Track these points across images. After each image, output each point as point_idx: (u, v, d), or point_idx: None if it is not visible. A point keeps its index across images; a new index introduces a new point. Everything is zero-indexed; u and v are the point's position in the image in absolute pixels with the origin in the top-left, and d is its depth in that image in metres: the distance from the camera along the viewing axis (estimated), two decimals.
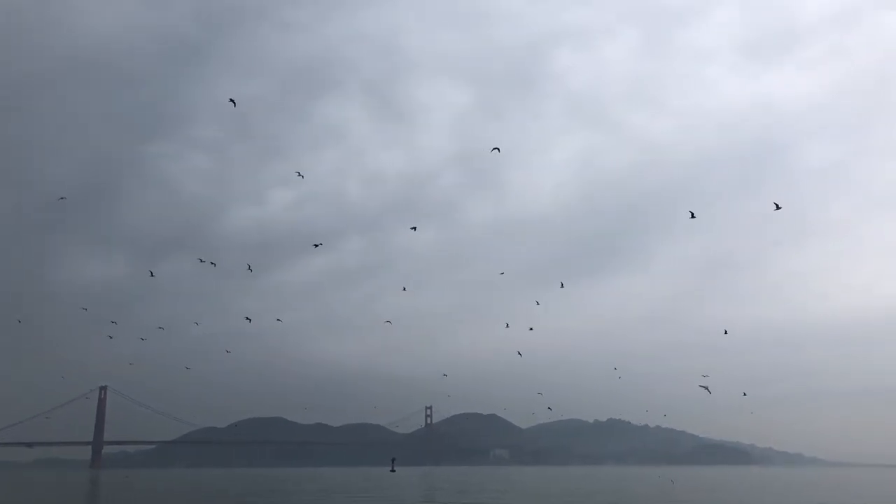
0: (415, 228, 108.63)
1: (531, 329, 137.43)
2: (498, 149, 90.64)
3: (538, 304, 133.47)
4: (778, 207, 74.26)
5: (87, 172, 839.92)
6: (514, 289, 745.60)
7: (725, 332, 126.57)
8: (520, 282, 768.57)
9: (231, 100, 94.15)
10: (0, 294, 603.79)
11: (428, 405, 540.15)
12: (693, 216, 79.54)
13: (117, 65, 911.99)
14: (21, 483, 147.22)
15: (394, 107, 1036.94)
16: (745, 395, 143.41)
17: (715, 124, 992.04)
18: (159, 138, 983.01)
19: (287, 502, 66.77)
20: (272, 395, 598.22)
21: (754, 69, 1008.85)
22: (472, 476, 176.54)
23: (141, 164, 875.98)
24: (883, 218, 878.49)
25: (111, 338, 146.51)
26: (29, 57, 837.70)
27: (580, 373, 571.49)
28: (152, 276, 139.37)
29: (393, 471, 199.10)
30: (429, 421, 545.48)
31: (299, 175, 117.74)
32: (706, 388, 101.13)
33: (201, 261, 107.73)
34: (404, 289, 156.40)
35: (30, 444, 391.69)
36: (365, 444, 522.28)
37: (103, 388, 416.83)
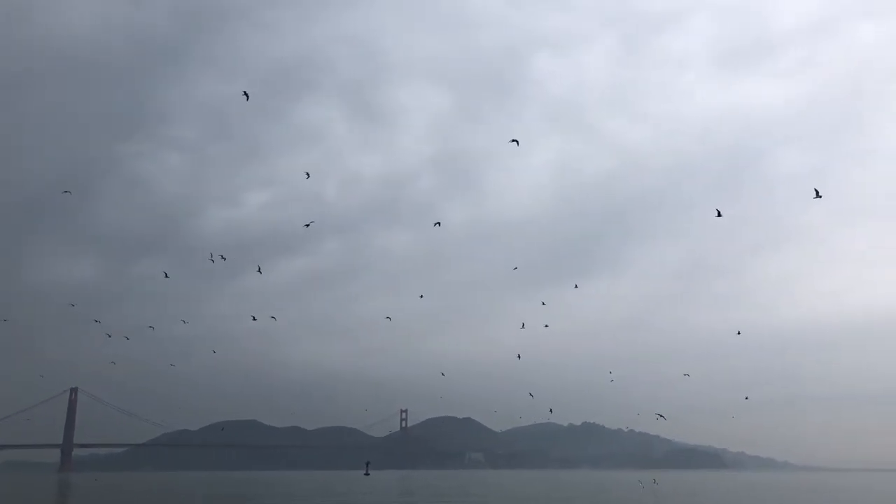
0: (438, 224, 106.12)
1: (546, 326, 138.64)
2: (517, 141, 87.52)
3: (544, 304, 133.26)
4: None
5: (63, 172, 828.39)
6: (491, 292, 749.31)
7: (738, 333, 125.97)
8: (497, 285, 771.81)
9: (244, 93, 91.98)
10: None
11: (403, 408, 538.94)
12: (720, 214, 78.61)
13: (93, 63, 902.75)
14: None
15: (373, 109, 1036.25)
16: (746, 398, 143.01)
17: (691, 131, 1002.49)
18: (136, 138, 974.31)
19: None
20: (247, 398, 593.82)
21: (730, 77, 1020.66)
22: (449, 480, 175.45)
23: (117, 163, 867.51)
24: (855, 225, 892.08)
25: (109, 336, 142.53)
26: (3, 55, 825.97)
27: (555, 376, 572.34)
28: (167, 276, 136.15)
29: (367, 474, 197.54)
30: (404, 424, 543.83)
31: (307, 176, 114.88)
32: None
33: (211, 258, 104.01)
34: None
35: None
36: (340, 448, 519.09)
37: (74, 390, 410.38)
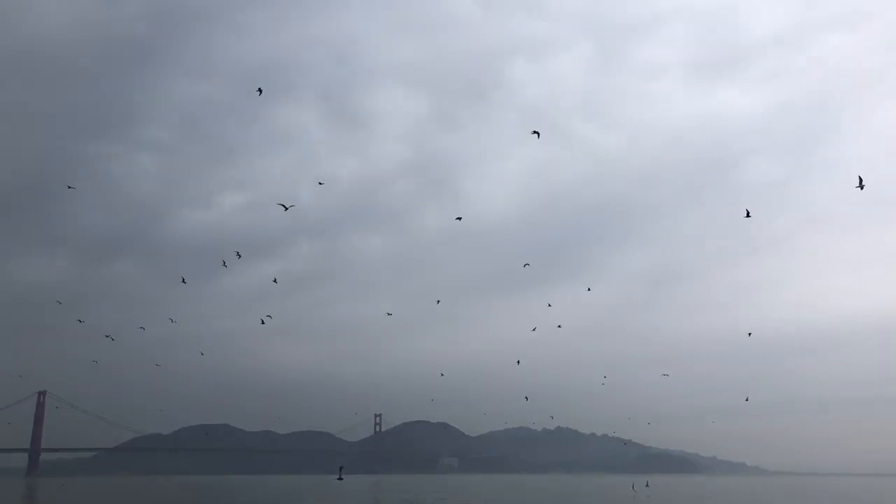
0: (460, 219, 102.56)
1: (559, 326, 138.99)
2: (537, 132, 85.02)
3: (549, 305, 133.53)
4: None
5: (31, 171, 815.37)
6: (466, 297, 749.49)
7: (749, 335, 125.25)
8: (471, 290, 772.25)
9: (259, 89, 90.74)
10: None
11: (377, 413, 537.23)
12: (748, 215, 78.72)
13: (65, 63, 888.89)
14: None
15: (348, 113, 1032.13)
16: (747, 399, 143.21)
17: (664, 138, 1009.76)
18: (108, 138, 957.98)
19: None
20: (219, 402, 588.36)
21: (703, 86, 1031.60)
22: (422, 485, 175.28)
23: (89, 163, 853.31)
24: (822, 233, 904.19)
25: (109, 337, 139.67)
26: None
27: (529, 381, 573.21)
28: (184, 282, 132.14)
29: (340, 479, 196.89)
30: (378, 429, 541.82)
31: (320, 184, 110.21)
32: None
33: (224, 264, 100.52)
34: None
35: None
36: (312, 452, 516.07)
37: (42, 394, 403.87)
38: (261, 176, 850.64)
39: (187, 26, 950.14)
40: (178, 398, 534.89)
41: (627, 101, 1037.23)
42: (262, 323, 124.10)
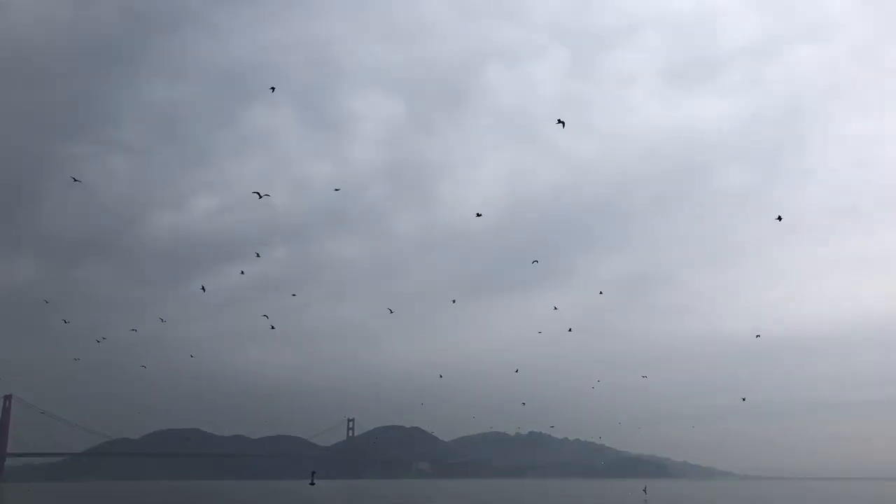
0: (479, 214, 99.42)
1: (570, 330, 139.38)
2: (562, 122, 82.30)
3: (556, 308, 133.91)
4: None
5: (2, 171, 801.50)
6: (441, 301, 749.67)
7: (758, 336, 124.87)
8: (447, 294, 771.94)
9: (272, 88, 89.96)
10: None
11: (350, 417, 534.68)
12: (780, 219, 79.11)
13: (32, 60, 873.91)
14: None
15: (324, 116, 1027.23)
16: (743, 399, 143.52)
17: (638, 145, 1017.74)
18: (78, 139, 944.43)
19: None
20: (189, 406, 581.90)
21: (677, 94, 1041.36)
22: (394, 489, 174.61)
23: (59, 164, 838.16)
24: (794, 241, 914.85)
25: (100, 340, 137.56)
26: None
27: (503, 385, 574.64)
28: (204, 290, 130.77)
29: (313, 484, 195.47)
30: (351, 433, 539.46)
31: (336, 190, 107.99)
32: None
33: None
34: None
35: None
36: (285, 457, 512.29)
37: (7, 398, 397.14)
38: (235, 178, 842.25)
39: (161, 27, 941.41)
40: (147, 402, 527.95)
41: (602, 107, 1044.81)
42: (267, 319, 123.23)
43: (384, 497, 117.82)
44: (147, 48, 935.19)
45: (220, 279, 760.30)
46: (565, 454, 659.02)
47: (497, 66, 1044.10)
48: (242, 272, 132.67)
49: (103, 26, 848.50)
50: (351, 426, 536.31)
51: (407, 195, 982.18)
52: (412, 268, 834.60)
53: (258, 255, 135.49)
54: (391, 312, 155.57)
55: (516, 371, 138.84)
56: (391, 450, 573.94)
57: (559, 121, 78.70)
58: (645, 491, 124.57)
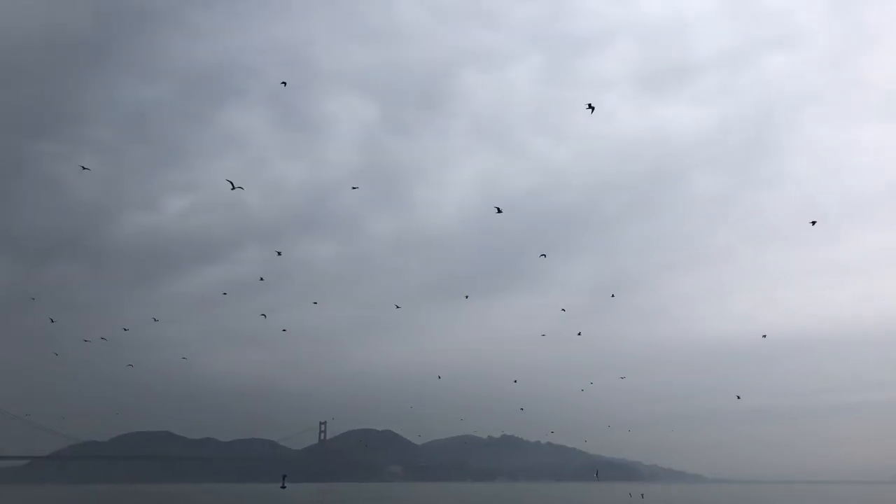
0: (500, 210, 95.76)
1: (579, 334, 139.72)
2: (591, 107, 79.15)
3: (564, 310, 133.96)
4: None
5: None
6: (415, 304, 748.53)
7: (764, 336, 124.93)
8: (420, 298, 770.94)
9: (283, 82, 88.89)
10: None
11: (322, 420, 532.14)
12: (814, 223, 79.20)
13: (4, 59, 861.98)
14: None
15: (299, 118, 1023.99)
16: (738, 397, 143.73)
17: (612, 151, 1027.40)
18: (49, 137, 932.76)
19: None
20: (159, 408, 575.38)
21: (650, 100, 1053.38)
22: (365, 493, 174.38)
23: (29, 163, 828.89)
24: (763, 247, 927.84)
25: (88, 341, 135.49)
26: None
27: (476, 388, 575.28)
28: (224, 294, 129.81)
29: (284, 487, 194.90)
30: (323, 437, 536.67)
31: (354, 188, 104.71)
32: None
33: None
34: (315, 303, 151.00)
35: None
36: (256, 460, 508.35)
37: None
38: (207, 179, 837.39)
39: (135, 26, 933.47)
40: (117, 405, 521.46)
41: (576, 113, 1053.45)
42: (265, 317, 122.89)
43: (355, 501, 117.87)
44: (119, 47, 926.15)
45: (192, 280, 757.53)
46: (537, 457, 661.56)
47: (472, 70, 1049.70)
48: (279, 252, 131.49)
49: (75, 25, 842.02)
50: (323, 429, 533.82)
51: (381, 198, 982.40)
52: (386, 270, 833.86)
53: (279, 254, 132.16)
54: (398, 308, 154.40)
55: (514, 381, 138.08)
56: (363, 453, 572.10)
57: (589, 105, 77.74)
58: (643, 496, 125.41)
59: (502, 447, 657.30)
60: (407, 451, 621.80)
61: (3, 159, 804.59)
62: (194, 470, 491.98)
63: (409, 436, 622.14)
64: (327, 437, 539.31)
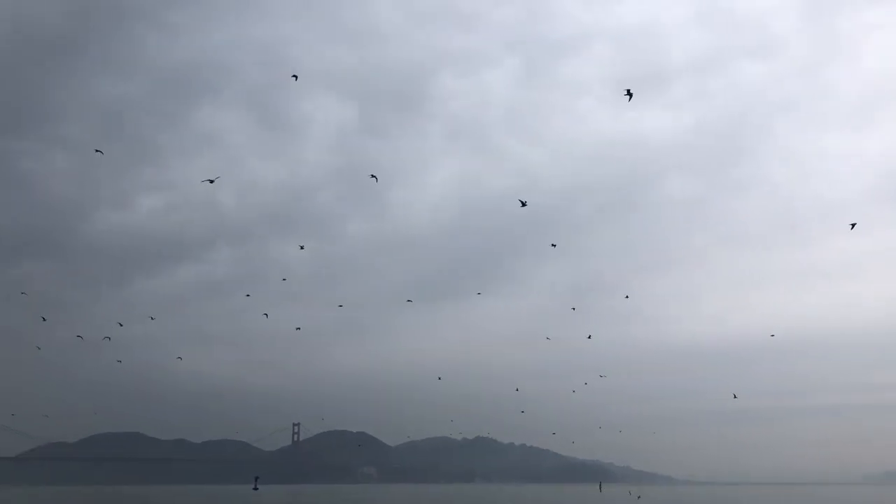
0: (524, 203, 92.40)
1: (589, 337, 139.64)
2: (630, 92, 74.26)
3: (574, 309, 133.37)
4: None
5: None
6: (389, 306, 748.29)
7: (773, 336, 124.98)
8: (395, 299, 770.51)
9: (294, 76, 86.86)
10: None
11: (296, 422, 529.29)
12: (854, 226, 77.73)
13: None
14: None
15: (275, 117, 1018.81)
16: (735, 396, 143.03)
17: (587, 154, 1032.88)
18: (19, 134, 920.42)
19: None
20: (129, 409, 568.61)
21: (625, 104, 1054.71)
22: (338, 495, 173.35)
23: None
24: (734, 251, 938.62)
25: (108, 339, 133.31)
26: None
27: (451, 390, 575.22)
28: (302, 247, 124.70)
29: (256, 489, 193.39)
30: (296, 438, 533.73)
31: (373, 177, 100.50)
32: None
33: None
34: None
35: None
36: (228, 462, 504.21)
37: None
38: (182, 178, 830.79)
39: (109, 23, 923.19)
40: (86, 405, 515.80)
41: (552, 116, 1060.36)
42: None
43: (327, 503, 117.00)
44: (93, 43, 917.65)
45: (166, 279, 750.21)
46: (511, 459, 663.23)
47: (449, 72, 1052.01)
48: (302, 247, 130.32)
49: (47, 19, 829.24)
50: (296, 431, 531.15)
51: (357, 199, 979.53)
52: (361, 272, 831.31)
53: (302, 248, 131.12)
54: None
55: (516, 390, 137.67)
56: (337, 455, 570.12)
57: (627, 91, 76.19)
58: (639, 498, 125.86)
59: (477, 449, 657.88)
60: (381, 453, 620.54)
61: None
62: (165, 472, 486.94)
63: (383, 437, 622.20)
64: (301, 439, 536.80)
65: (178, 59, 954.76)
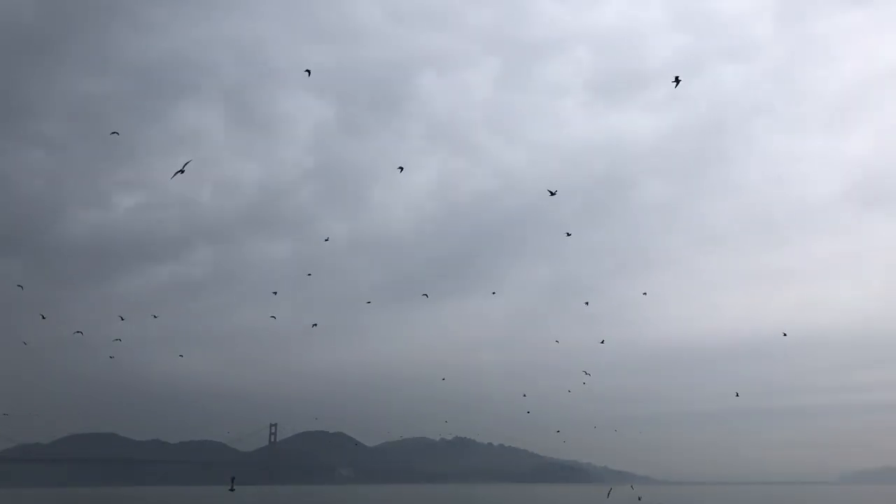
0: (553, 192, 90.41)
1: (602, 342, 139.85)
2: (678, 79, 73.82)
3: (587, 303, 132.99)
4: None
5: None
6: (368, 306, 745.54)
7: (784, 335, 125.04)
8: (373, 299, 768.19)
9: (307, 70, 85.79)
10: None
11: (273, 422, 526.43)
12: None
13: None
14: None
15: (254, 116, 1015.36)
16: (737, 395, 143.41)
17: (566, 156, 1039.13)
18: None
19: None
20: (104, 409, 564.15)
21: (604, 107, 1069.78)
22: (315, 496, 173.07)
23: None
24: (709, 253, 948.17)
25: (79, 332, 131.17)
26: None
27: (430, 390, 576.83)
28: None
29: (232, 490, 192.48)
30: (273, 439, 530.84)
31: (400, 169, 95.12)
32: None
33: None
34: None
35: None
36: (204, 463, 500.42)
37: None
38: (158, 177, 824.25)
39: (84, 19, 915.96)
40: (60, 406, 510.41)
41: (532, 118, 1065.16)
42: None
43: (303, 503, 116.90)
44: (68, 40, 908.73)
45: (142, 279, 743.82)
46: (488, 459, 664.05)
47: (429, 72, 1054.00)
48: (327, 239, 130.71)
49: (23, 16, 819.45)
50: (273, 431, 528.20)
51: (336, 198, 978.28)
52: (339, 271, 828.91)
53: (327, 240, 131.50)
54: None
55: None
56: (314, 455, 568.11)
57: (676, 78, 73.91)
58: (639, 499, 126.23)
59: (455, 449, 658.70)
60: (358, 454, 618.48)
61: None
62: (141, 473, 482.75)
63: (361, 438, 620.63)
64: (277, 439, 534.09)
65: (155, 57, 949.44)
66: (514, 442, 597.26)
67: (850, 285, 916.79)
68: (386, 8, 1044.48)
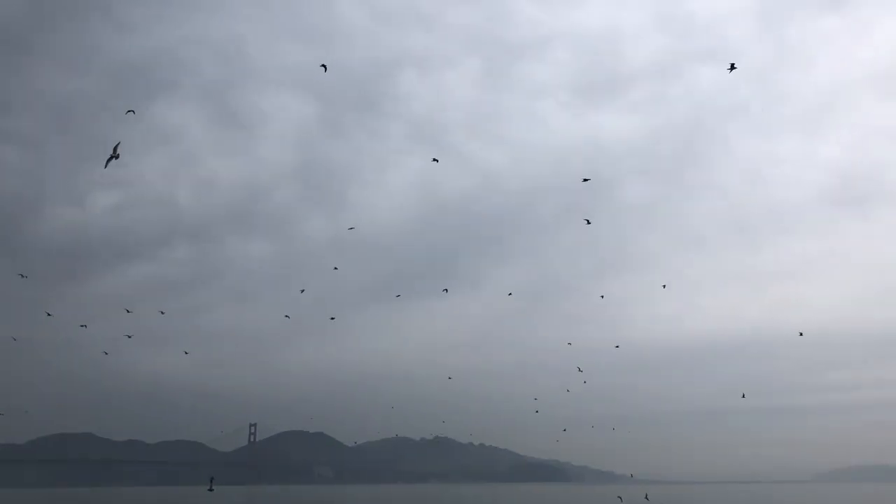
0: (587, 179, 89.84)
1: (617, 347, 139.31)
2: (733, 66, 70.91)
3: (603, 296, 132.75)
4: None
5: None
6: (347, 306, 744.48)
7: (801, 334, 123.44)
8: (352, 299, 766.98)
9: (323, 65, 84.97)
10: None
11: (252, 422, 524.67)
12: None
13: None
14: None
15: (233, 114, 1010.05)
16: (743, 396, 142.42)
17: (546, 157, 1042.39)
18: None
19: None
20: (82, 409, 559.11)
21: (584, 108, 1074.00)
22: (294, 496, 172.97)
23: None
24: (689, 254, 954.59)
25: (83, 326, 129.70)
26: None
27: (410, 390, 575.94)
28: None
29: (211, 490, 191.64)
30: (252, 439, 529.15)
31: (435, 160, 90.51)
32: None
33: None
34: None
35: None
36: (183, 463, 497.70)
37: None
38: (137, 175, 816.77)
39: (62, 17, 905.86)
40: (35, 406, 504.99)
41: (512, 118, 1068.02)
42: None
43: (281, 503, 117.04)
44: (44, 36, 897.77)
45: (119, 278, 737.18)
46: (468, 459, 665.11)
47: (410, 72, 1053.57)
48: (351, 228, 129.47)
49: None
50: (253, 431, 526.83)
51: (316, 198, 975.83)
52: (319, 271, 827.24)
53: (352, 229, 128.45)
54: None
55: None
56: (294, 455, 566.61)
57: (731, 65, 71.26)
58: (646, 497, 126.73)
59: (434, 449, 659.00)
60: (338, 454, 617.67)
61: None
62: (119, 473, 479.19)
63: (341, 438, 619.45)
64: (257, 439, 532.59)
65: (133, 54, 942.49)
66: (494, 441, 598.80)
67: (825, 286, 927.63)
68: (367, 8, 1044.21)
